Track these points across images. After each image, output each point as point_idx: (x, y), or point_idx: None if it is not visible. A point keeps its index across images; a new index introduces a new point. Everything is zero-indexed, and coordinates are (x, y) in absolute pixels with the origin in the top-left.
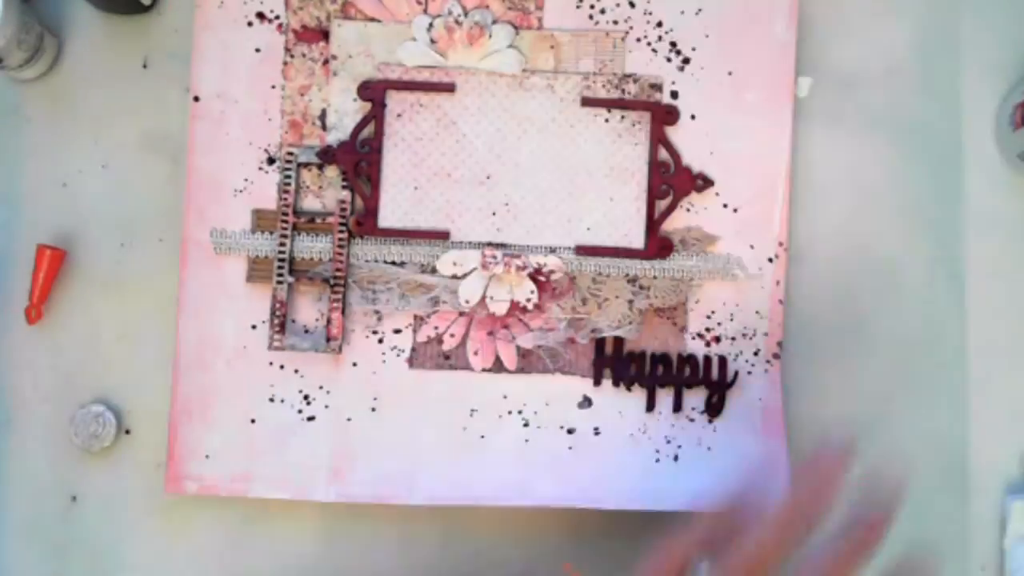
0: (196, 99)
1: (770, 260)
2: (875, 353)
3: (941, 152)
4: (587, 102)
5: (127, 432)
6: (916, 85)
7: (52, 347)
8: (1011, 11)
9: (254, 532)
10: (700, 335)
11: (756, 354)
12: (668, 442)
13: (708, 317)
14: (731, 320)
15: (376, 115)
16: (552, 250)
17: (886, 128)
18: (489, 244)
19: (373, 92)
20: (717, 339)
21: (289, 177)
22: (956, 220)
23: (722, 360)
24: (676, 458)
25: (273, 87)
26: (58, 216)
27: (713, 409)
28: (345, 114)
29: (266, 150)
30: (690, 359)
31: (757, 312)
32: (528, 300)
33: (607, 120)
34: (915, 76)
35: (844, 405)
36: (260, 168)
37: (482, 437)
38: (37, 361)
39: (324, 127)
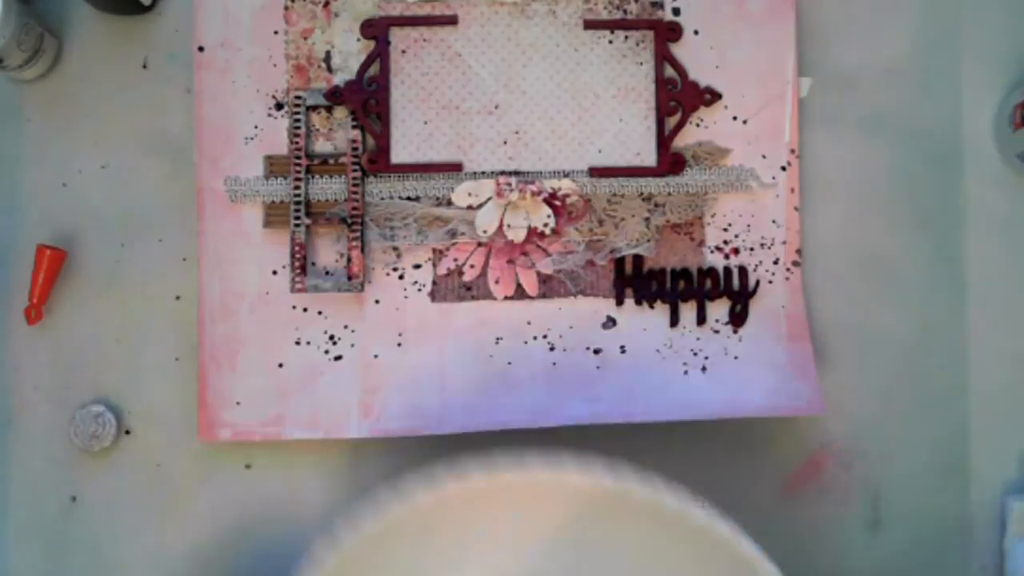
0: (200, 49)
1: (783, 168)
2: (875, 353)
3: (941, 152)
4: (589, 24)
5: (127, 432)
6: (916, 85)
7: (52, 347)
8: (1011, 11)
9: (254, 534)
10: (719, 248)
11: (776, 263)
12: (695, 354)
13: (725, 230)
14: (748, 231)
15: (381, 53)
16: (566, 174)
17: (886, 128)
18: (503, 173)
19: (376, 30)
20: (736, 251)
21: (298, 121)
22: (956, 220)
23: (742, 270)
24: (704, 369)
25: (276, 33)
26: (58, 216)
27: (737, 319)
28: (350, 55)
29: (273, 96)
30: (710, 272)
31: (774, 221)
32: (545, 225)
33: (611, 41)
34: (915, 76)
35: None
36: (269, 114)
37: (509, 363)
38: (37, 361)
39: (330, 69)
